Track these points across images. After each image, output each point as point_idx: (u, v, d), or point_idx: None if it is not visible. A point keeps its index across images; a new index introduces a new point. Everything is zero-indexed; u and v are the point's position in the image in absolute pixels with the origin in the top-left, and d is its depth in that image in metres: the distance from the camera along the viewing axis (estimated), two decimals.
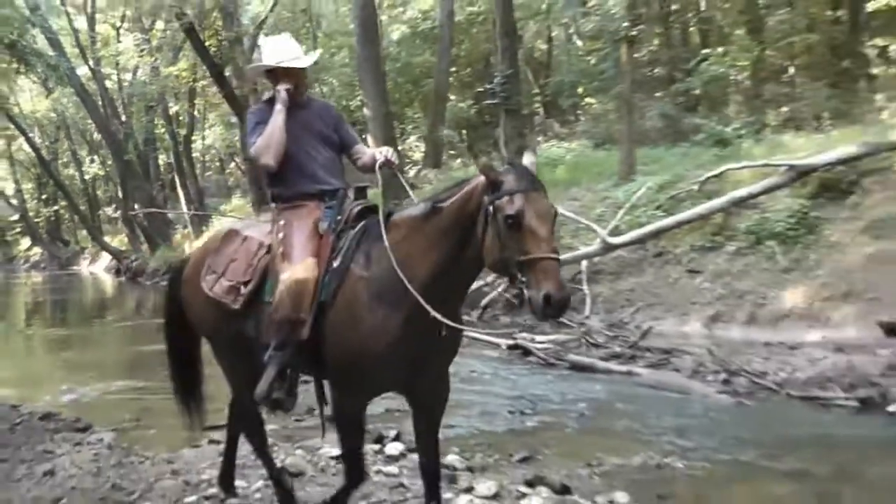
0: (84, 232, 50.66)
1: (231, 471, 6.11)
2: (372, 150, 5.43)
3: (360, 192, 5.38)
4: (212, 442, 7.99)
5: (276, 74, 5.39)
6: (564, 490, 6.43)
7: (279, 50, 5.40)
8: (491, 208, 4.31)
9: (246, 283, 5.16)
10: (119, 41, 39.29)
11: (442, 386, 5.13)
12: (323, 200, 5.24)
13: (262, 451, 5.85)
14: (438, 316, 4.48)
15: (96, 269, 47.40)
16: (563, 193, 17.86)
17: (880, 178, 14.17)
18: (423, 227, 4.70)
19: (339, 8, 28.80)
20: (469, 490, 6.35)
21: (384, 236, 4.71)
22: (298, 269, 4.82)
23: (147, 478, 6.79)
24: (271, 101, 5.35)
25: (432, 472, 5.11)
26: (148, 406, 10.57)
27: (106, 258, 45.70)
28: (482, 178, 4.43)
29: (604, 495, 6.31)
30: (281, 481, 5.76)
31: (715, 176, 16.02)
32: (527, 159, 4.57)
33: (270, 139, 5.16)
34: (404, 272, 4.56)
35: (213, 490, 6.35)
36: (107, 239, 46.05)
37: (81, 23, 38.09)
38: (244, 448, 7.67)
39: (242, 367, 5.43)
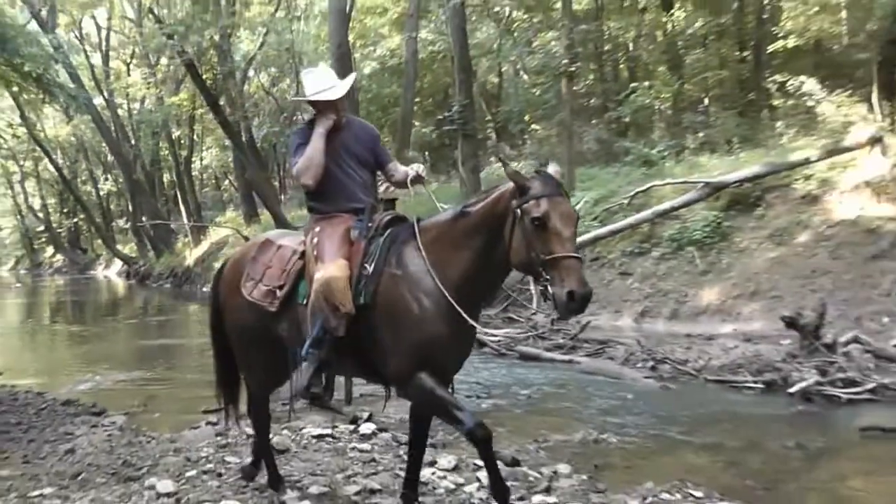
0: (99, 241, 50.26)
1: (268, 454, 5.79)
2: (404, 168, 5.16)
3: (390, 204, 5.19)
4: (209, 424, 7.95)
5: (315, 103, 5.12)
6: (515, 462, 6.42)
7: (316, 82, 5.10)
8: (518, 211, 4.14)
9: (281, 287, 4.96)
10: (129, 75, 39.34)
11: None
12: (356, 214, 4.98)
13: (264, 439, 5.68)
14: (464, 314, 4.33)
15: (110, 273, 47.01)
16: None
17: (781, 193, 14.37)
18: (452, 231, 4.52)
19: (318, 47, 28.70)
20: (433, 463, 6.31)
21: (418, 240, 4.55)
22: (331, 268, 4.60)
23: (153, 455, 6.75)
24: (313, 123, 5.10)
25: (422, 447, 5.04)
26: (153, 393, 10.57)
27: (118, 264, 45.33)
28: (510, 185, 4.26)
29: (549, 467, 6.31)
30: (270, 465, 5.66)
31: (642, 191, 16.18)
32: (552, 168, 4.36)
33: (311, 161, 4.92)
34: (436, 272, 4.42)
35: (211, 465, 6.31)
36: (119, 247, 45.80)
37: (97, 59, 38.02)
38: (235, 428, 7.68)
39: (266, 363, 5.36)
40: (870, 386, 8.84)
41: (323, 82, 5.09)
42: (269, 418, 5.76)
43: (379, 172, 5.38)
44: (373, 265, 4.61)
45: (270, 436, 6.84)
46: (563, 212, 4.10)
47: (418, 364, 4.42)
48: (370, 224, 4.89)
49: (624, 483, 6.04)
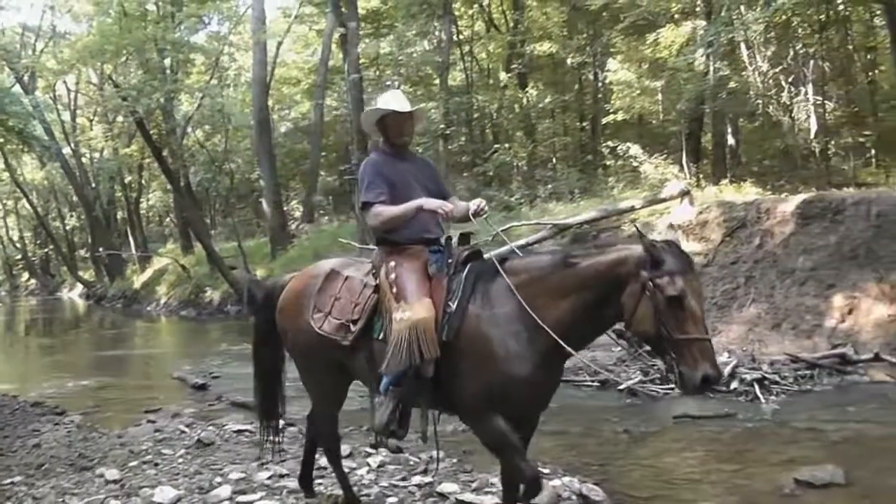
0: (65, 268, 48.55)
1: (310, 472, 5.02)
2: (464, 204, 4.39)
3: (464, 238, 4.38)
4: (149, 422, 7.77)
5: (384, 124, 4.35)
6: (398, 450, 6.19)
7: (390, 101, 4.35)
8: (651, 284, 3.38)
9: (355, 322, 4.10)
10: (92, 129, 38.32)
11: (538, 416, 4.27)
12: (427, 245, 4.25)
13: (336, 462, 4.90)
14: (575, 353, 3.72)
15: (73, 295, 45.12)
16: None
17: (612, 233, 14.66)
18: (552, 277, 3.74)
19: (244, 109, 28.50)
20: None
21: (507, 280, 3.78)
22: (418, 308, 3.78)
23: (104, 448, 6.65)
24: (383, 153, 4.41)
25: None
26: (105, 396, 10.38)
27: (79, 287, 43.50)
28: (635, 251, 3.51)
29: (426, 453, 6.22)
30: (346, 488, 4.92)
31: (503, 230, 16.26)
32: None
33: (395, 221, 4.15)
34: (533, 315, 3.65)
35: (150, 457, 6.22)
36: (80, 273, 44.03)
37: (66, 116, 37.16)
38: (170, 425, 7.41)
39: (333, 390, 4.62)
40: None
41: (395, 102, 4.36)
42: (339, 440, 4.96)
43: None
44: (456, 302, 3.83)
45: (199, 431, 6.61)
46: (697, 290, 3.43)
47: (495, 403, 3.74)
48: (450, 260, 4.11)
49: (486, 464, 5.99)
